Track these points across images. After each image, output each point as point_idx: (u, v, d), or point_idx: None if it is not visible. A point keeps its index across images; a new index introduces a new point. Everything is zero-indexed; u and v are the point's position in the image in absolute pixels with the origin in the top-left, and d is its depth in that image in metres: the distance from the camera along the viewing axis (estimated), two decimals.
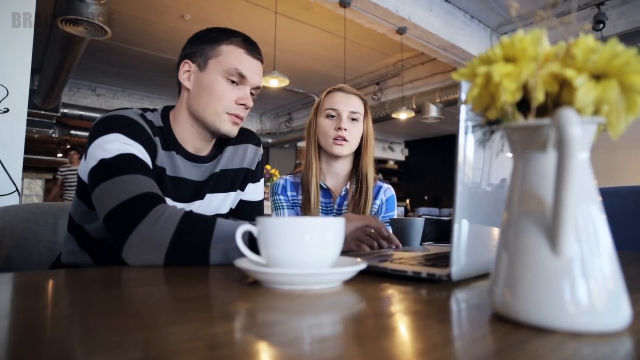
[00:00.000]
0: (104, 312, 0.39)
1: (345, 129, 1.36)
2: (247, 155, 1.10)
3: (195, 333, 0.31)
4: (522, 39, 0.33)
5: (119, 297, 0.47)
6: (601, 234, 0.33)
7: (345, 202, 1.42)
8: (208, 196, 1.01)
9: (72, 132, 8.27)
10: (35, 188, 4.69)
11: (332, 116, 1.39)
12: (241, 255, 0.58)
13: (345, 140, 1.37)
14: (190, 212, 0.74)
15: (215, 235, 0.69)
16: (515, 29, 0.32)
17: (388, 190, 1.48)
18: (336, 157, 1.40)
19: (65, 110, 7.16)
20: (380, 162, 11.75)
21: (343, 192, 1.42)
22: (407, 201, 10.59)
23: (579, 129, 0.31)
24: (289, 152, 10.31)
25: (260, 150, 1.15)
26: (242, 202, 1.11)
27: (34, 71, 6.06)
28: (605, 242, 0.34)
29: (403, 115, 6.33)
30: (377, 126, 8.38)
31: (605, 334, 0.32)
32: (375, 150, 1.55)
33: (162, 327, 0.34)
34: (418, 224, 1.13)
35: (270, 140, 9.73)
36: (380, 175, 1.82)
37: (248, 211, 1.11)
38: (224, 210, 1.06)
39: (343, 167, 1.44)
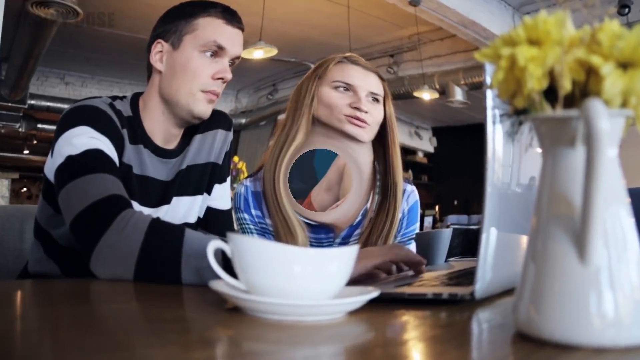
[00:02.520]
0: (75, 329, 0.37)
1: (366, 111, 0.99)
2: (215, 145, 1.03)
3: (172, 357, 0.30)
4: (546, 21, 0.30)
5: (90, 313, 0.46)
6: (629, 239, 0.31)
7: (357, 231, 1.02)
8: (175, 199, 0.96)
9: (39, 125, 7.94)
10: (1, 189, 4.50)
11: (345, 90, 1.02)
12: (216, 275, 0.48)
13: (365, 122, 0.99)
14: (158, 219, 0.70)
15: (185, 250, 0.64)
16: (538, 10, 0.29)
17: (412, 195, 1.10)
18: (352, 138, 1.00)
19: (33, 102, 6.88)
20: (407, 153, 8.88)
21: (359, 217, 1.01)
22: (437, 208, 8.61)
23: (608, 123, 0.28)
24: (264, 131, 9.06)
25: (230, 135, 1.08)
26: (209, 210, 1.04)
27: (2, 60, 5.78)
28: (633, 248, 0.31)
29: (426, 95, 5.91)
30: (398, 104, 7.68)
31: (631, 348, 0.30)
32: (400, 136, 1.12)
33: (137, 348, 0.33)
34: (445, 236, 1.06)
35: (243, 121, 8.79)
36: (410, 174, 1.39)
37: (217, 222, 1.04)
38: (192, 219, 1.01)
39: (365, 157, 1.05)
